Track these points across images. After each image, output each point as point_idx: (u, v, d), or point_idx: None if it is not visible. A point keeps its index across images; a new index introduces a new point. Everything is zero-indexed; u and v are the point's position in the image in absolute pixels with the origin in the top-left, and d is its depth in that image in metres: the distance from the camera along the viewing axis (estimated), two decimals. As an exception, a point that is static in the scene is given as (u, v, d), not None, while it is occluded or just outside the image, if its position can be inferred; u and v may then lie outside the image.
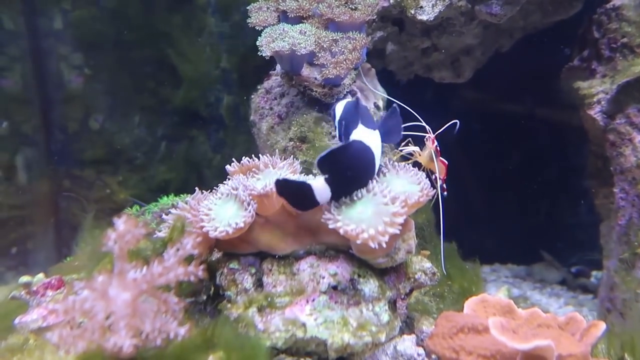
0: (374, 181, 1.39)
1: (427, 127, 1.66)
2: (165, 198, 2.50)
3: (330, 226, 1.29)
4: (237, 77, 3.38)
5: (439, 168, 1.63)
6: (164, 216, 1.50)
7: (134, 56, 3.23)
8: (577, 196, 3.20)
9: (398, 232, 1.28)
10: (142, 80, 3.28)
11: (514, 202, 3.41)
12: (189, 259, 1.15)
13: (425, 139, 1.70)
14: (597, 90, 2.31)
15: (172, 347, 1.14)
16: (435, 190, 1.47)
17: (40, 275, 1.44)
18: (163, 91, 3.31)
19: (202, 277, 1.14)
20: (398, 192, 1.36)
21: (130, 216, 1.06)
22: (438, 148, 1.65)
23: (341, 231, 1.27)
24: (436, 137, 1.68)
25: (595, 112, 2.30)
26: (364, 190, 1.35)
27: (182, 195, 2.46)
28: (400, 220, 1.28)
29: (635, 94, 2.21)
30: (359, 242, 1.25)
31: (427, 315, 1.63)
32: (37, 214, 3.10)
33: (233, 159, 1.58)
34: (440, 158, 1.67)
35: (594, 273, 3.21)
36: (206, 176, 3.38)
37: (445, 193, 1.70)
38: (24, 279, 1.41)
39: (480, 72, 2.95)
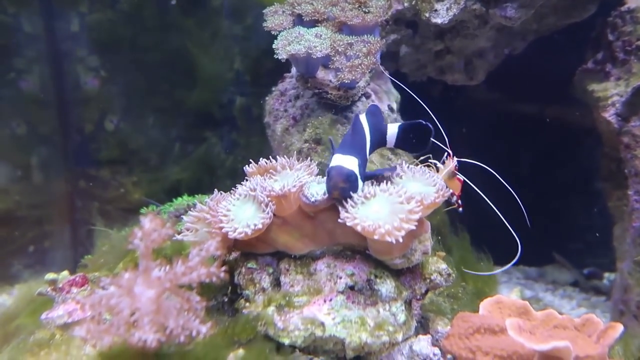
0: (389, 182, 1.41)
1: (449, 150, 1.65)
2: (179, 198, 2.53)
3: (348, 223, 1.30)
4: (250, 79, 3.41)
5: (454, 186, 1.63)
6: (183, 217, 1.52)
7: (148, 58, 3.28)
8: (589, 198, 3.19)
9: (414, 227, 1.29)
10: (156, 82, 3.32)
11: (526, 203, 3.40)
12: (211, 260, 1.17)
13: (445, 157, 1.69)
14: (612, 92, 2.31)
15: (194, 344, 1.16)
16: (450, 192, 1.48)
17: (65, 273, 1.48)
18: (177, 93, 3.36)
19: (223, 278, 1.16)
20: (414, 193, 1.37)
21: (157, 215, 1.09)
22: (457, 167, 1.65)
23: (358, 228, 1.28)
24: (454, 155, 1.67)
25: (610, 115, 2.30)
26: (378, 190, 1.37)
27: (195, 195, 2.49)
28: (416, 217, 1.30)
29: (650, 96, 2.21)
30: (376, 237, 1.26)
31: (441, 315, 1.64)
32: (54, 213, 3.15)
33: (251, 160, 1.61)
34: (458, 176, 1.67)
35: (606, 275, 3.20)
36: (219, 177, 3.41)
37: (461, 209, 1.70)
38: (50, 275, 1.45)
39: (492, 74, 2.95)
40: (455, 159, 1.63)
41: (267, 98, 2.56)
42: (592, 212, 3.28)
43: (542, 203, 3.38)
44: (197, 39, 3.31)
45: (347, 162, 1.39)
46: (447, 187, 1.44)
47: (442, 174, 1.63)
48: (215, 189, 1.55)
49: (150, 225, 1.09)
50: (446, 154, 1.65)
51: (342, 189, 1.36)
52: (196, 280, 1.14)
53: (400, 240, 1.26)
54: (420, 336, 1.49)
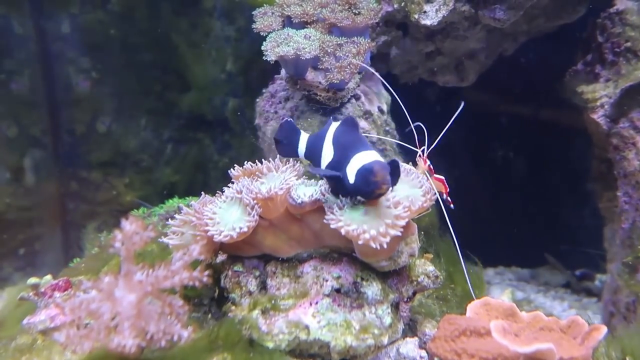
0: None
1: (419, 148, 1.61)
2: (171, 200, 2.53)
3: (332, 226, 1.29)
4: (242, 81, 3.40)
5: (437, 186, 1.61)
6: (169, 221, 1.51)
7: (140, 60, 3.27)
8: (581, 199, 3.20)
9: (400, 234, 1.29)
10: (148, 84, 3.31)
11: (518, 205, 3.41)
12: (194, 264, 1.17)
13: (416, 158, 1.66)
14: (601, 94, 2.32)
15: (176, 349, 1.16)
16: (437, 195, 1.48)
17: (48, 277, 1.46)
18: (169, 94, 3.35)
19: (206, 282, 1.15)
20: (402, 197, 1.37)
21: (137, 217, 1.08)
22: (431, 167, 1.63)
23: (342, 231, 1.27)
24: (427, 154, 1.63)
25: (599, 116, 2.31)
26: None
27: (187, 197, 2.48)
28: (402, 222, 1.29)
29: (639, 98, 2.22)
30: (360, 242, 1.26)
31: (430, 318, 1.63)
32: (45, 216, 3.13)
33: (235, 165, 1.59)
34: (436, 175, 1.65)
35: (598, 276, 3.20)
36: (212, 179, 3.40)
37: (452, 206, 1.68)
38: (32, 280, 1.43)
39: (483, 75, 2.95)
40: (428, 161, 1.61)
41: (257, 100, 2.55)
42: (584, 214, 3.29)
43: (535, 205, 3.39)
44: (189, 40, 3.31)
45: (373, 155, 1.30)
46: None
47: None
48: (202, 192, 1.54)
49: (130, 227, 1.08)
50: (418, 154, 1.63)
51: (387, 180, 1.27)
52: (178, 284, 1.13)
53: (385, 246, 1.25)
54: (408, 339, 1.49)
